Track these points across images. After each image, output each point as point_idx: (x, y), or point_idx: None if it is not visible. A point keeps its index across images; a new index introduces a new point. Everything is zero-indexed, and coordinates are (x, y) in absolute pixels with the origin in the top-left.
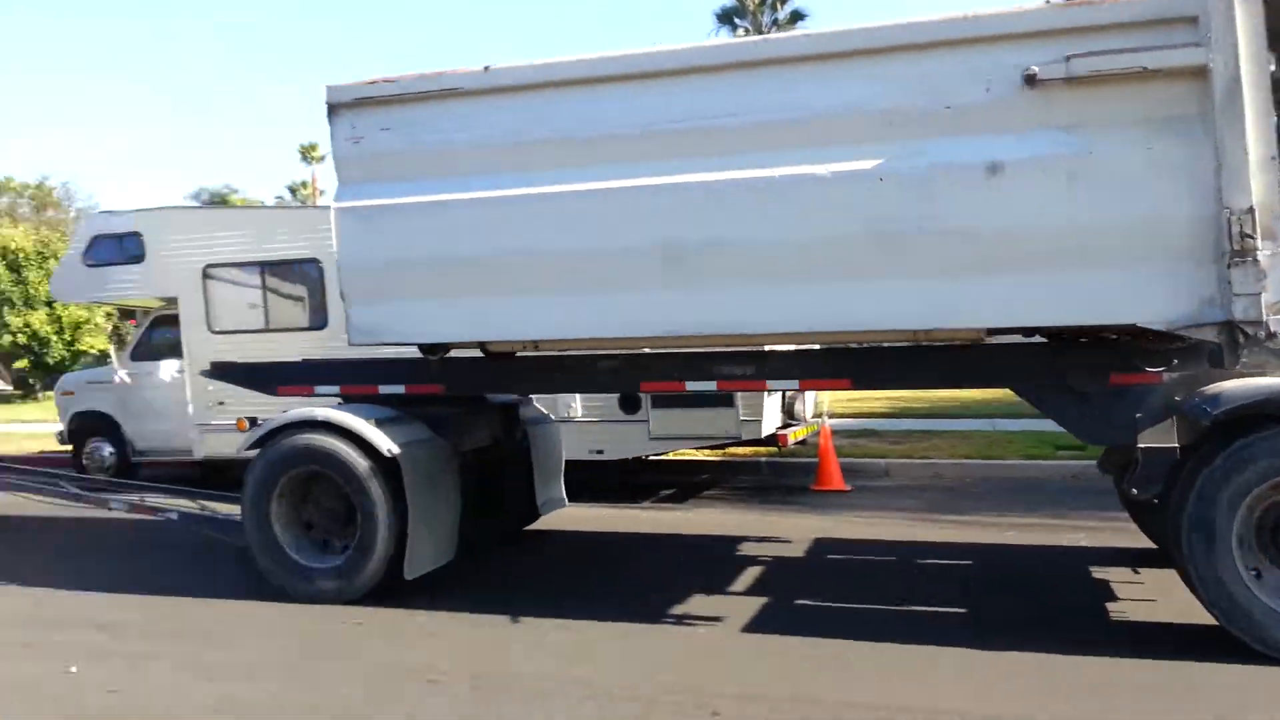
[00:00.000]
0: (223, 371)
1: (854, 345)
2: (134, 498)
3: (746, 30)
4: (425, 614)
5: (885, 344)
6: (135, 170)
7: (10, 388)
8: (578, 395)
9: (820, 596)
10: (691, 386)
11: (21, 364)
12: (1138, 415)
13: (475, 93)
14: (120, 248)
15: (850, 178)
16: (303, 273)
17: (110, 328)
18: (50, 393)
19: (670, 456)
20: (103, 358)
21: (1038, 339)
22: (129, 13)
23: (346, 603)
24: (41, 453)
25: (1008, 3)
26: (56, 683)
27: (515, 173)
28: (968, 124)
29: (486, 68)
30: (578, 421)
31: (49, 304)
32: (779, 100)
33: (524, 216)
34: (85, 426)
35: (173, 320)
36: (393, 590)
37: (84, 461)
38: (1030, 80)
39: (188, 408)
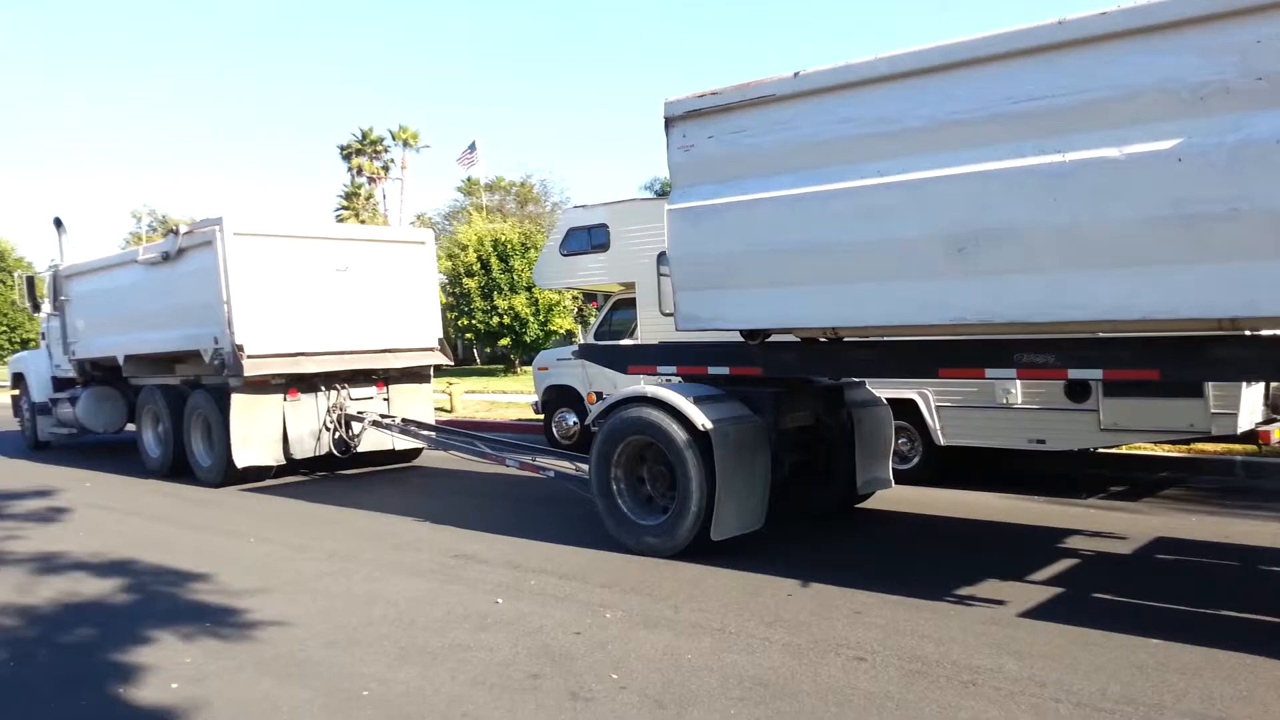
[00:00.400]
0: (589, 352)
1: (1160, 334)
2: (526, 457)
3: None
4: (857, 592)
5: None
6: (595, 161)
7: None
8: (1017, 381)
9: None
10: (991, 373)
11: (504, 342)
12: None
13: (785, 98)
14: (589, 238)
15: (1147, 160)
16: None
17: (576, 310)
18: (527, 367)
19: (1122, 450)
20: (569, 337)
21: None
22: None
23: (666, 557)
24: (519, 420)
25: None
26: (531, 619)
27: (820, 169)
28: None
29: (796, 73)
30: (1016, 408)
31: (528, 289)
32: (1083, 81)
33: (827, 211)
34: (555, 398)
35: (630, 303)
36: (798, 560)
37: (553, 429)
38: None
39: (640, 380)
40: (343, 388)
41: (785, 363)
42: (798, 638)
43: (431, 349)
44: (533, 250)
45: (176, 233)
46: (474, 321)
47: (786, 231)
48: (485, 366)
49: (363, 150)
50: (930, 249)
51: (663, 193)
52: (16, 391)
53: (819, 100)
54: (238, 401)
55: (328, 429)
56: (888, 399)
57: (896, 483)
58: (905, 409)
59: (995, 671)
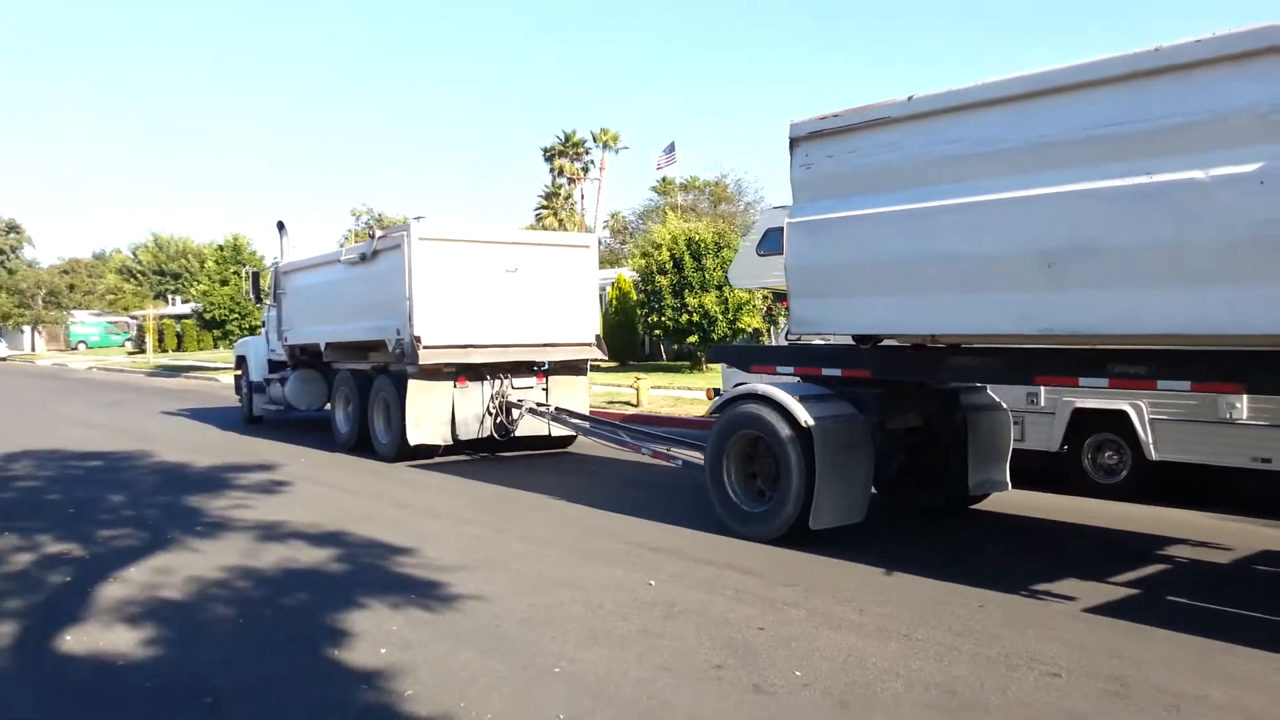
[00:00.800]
0: (719, 353)
1: (1247, 349)
2: (660, 447)
3: None
4: (1050, 604)
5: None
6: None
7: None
8: (1244, 395)
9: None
10: (1085, 382)
11: (692, 339)
12: None
13: (898, 120)
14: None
15: (1229, 181)
16: None
17: (765, 309)
18: (713, 365)
19: None
20: (756, 336)
21: None
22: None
23: (766, 542)
24: (703, 417)
25: None
26: (716, 611)
27: (926, 187)
28: None
29: (910, 97)
30: (1240, 424)
31: (719, 287)
32: (1173, 106)
33: (931, 226)
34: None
35: None
36: (987, 571)
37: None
38: None
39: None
40: (505, 377)
41: (892, 366)
42: (988, 649)
43: (588, 344)
44: (726, 249)
45: (373, 236)
46: (663, 319)
47: (893, 244)
48: (671, 363)
49: (565, 152)
50: (1023, 264)
51: None
52: (239, 371)
53: (928, 122)
54: (413, 386)
55: (490, 414)
56: (1094, 409)
57: (1102, 497)
58: (1114, 420)
59: (1199, 699)
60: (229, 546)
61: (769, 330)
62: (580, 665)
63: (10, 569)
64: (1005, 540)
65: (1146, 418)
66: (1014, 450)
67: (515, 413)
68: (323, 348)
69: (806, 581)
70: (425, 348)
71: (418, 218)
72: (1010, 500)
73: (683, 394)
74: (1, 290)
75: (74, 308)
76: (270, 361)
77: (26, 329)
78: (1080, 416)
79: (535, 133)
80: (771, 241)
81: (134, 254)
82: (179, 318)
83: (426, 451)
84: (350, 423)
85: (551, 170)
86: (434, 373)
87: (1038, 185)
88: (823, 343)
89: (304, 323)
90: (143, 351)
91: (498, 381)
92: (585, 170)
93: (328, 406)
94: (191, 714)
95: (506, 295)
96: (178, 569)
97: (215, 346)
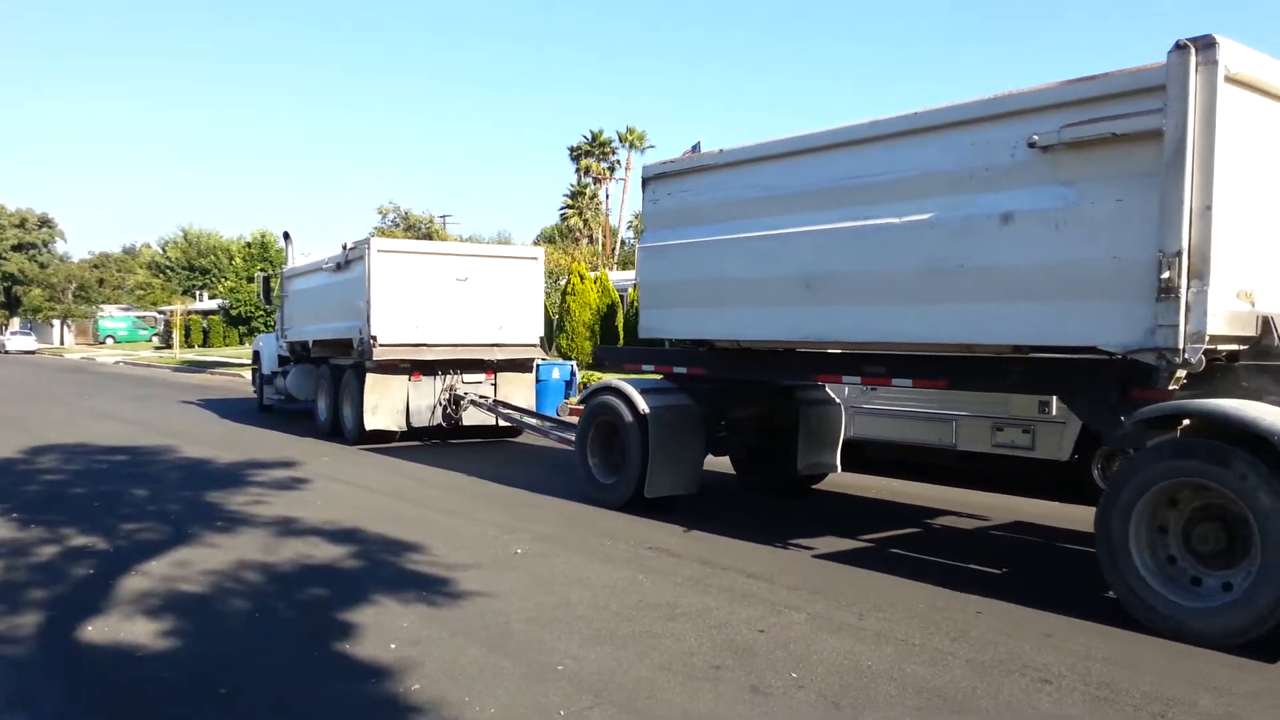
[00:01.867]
0: (603, 352)
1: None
2: (563, 433)
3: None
4: (1048, 614)
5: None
6: None
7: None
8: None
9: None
10: (846, 379)
11: None
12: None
13: (715, 168)
14: None
15: (919, 225)
16: None
17: None
18: None
19: None
20: None
21: (1094, 355)
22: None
23: (614, 508)
24: None
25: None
26: (718, 613)
27: (730, 222)
28: (999, 179)
29: (721, 150)
30: None
31: None
32: (871, 166)
33: (730, 253)
34: None
35: None
36: (984, 578)
37: None
38: (1035, 146)
39: (844, 391)
40: (456, 373)
41: (722, 365)
42: (983, 655)
43: (532, 344)
44: None
45: (346, 246)
46: None
47: (708, 267)
48: None
49: (591, 152)
50: (790, 285)
51: None
52: (255, 365)
53: (734, 170)
54: (370, 379)
55: (440, 405)
56: None
57: None
58: None
59: (1189, 705)
60: (247, 541)
61: None
62: (583, 663)
63: (36, 560)
64: (1006, 548)
65: None
66: (1026, 459)
67: (461, 404)
68: (311, 345)
69: (811, 585)
70: (380, 345)
71: (444, 216)
72: (1023, 509)
73: None
74: (33, 284)
75: (103, 302)
76: (280, 357)
77: (56, 322)
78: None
79: (563, 132)
80: None
81: (163, 249)
82: (206, 314)
83: (383, 436)
84: (327, 410)
85: (578, 170)
86: (390, 368)
87: (800, 224)
88: (673, 346)
89: (299, 322)
90: (170, 347)
91: (449, 377)
92: (611, 170)
93: None
94: (205, 704)
95: (457, 301)
96: (197, 563)
97: (241, 343)
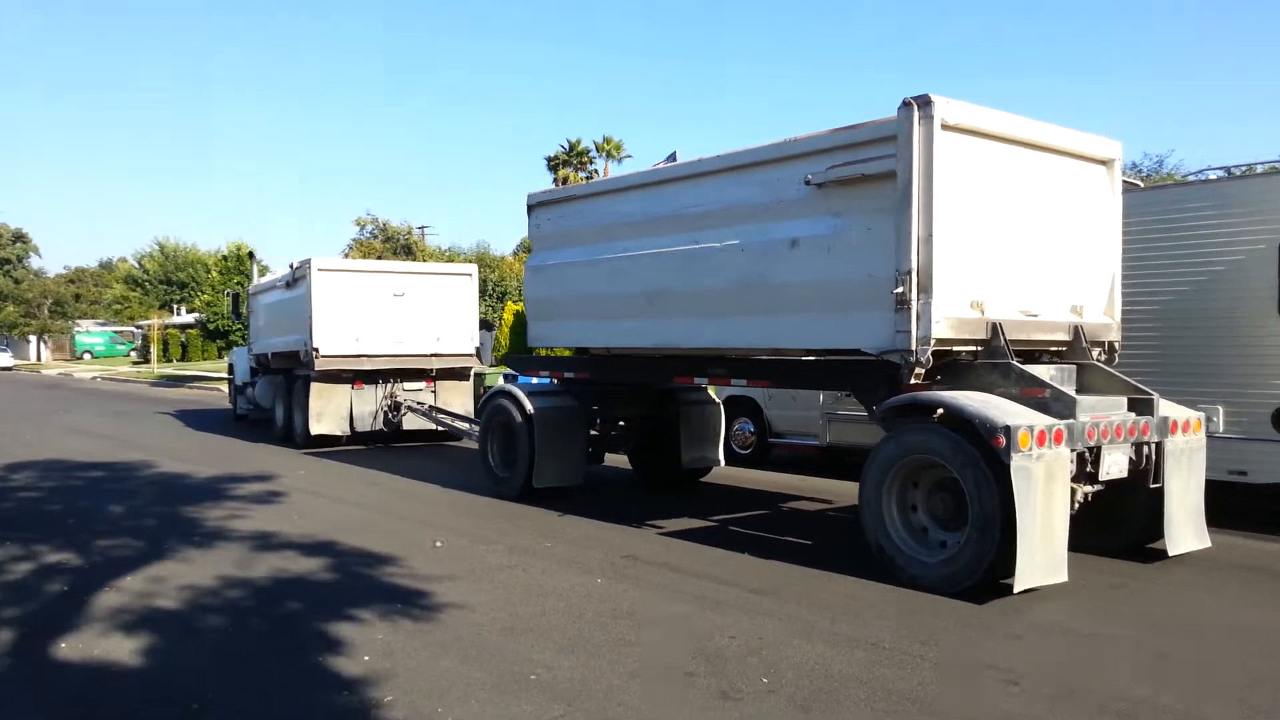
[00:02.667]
0: (506, 360)
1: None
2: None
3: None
4: (1020, 615)
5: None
6: None
7: None
8: (1220, 407)
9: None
10: (697, 380)
11: None
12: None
13: (583, 197)
14: None
15: (744, 245)
16: None
17: None
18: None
19: None
20: None
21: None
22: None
23: (509, 499)
24: None
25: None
26: (691, 620)
27: (594, 245)
28: (793, 211)
29: (589, 178)
30: (1215, 437)
31: None
32: (715, 194)
33: (593, 272)
34: (733, 408)
35: None
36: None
37: (730, 439)
38: (814, 183)
39: (819, 397)
40: (396, 382)
41: (601, 370)
42: (952, 658)
43: (468, 354)
44: None
45: (293, 266)
46: None
47: (578, 283)
48: None
49: (569, 161)
50: (638, 299)
51: None
52: (230, 377)
53: (599, 199)
54: (314, 388)
55: (382, 411)
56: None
57: None
58: None
59: (1148, 703)
60: (223, 556)
61: None
62: (556, 672)
63: (10, 578)
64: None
65: None
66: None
67: (400, 410)
68: (270, 356)
69: (785, 591)
70: (321, 356)
71: (423, 228)
72: None
73: None
74: (8, 300)
75: (80, 317)
76: (251, 369)
77: (32, 339)
78: None
79: (540, 142)
80: None
81: (140, 263)
82: (184, 327)
83: (329, 440)
84: (282, 417)
85: (555, 179)
86: (333, 376)
87: (645, 247)
88: (565, 354)
89: (263, 336)
90: (147, 361)
91: (390, 385)
92: (589, 179)
93: None
94: (176, 717)
95: (396, 315)
96: (172, 578)
97: (219, 356)
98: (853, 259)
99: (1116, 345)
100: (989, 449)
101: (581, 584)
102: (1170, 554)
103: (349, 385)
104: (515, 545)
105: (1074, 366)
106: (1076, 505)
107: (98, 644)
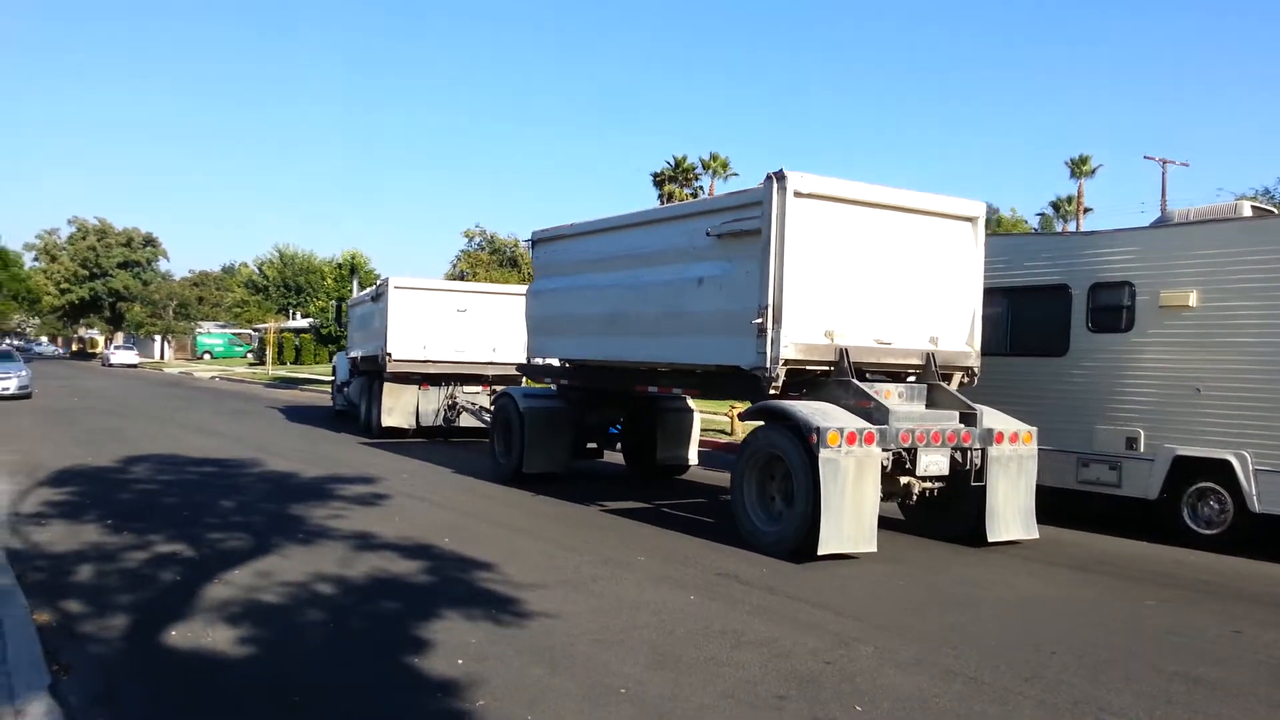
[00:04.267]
0: (526, 370)
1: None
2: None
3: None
4: (1130, 655)
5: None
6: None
7: None
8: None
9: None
10: (650, 389)
11: None
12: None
13: (568, 236)
14: None
15: (667, 281)
16: (1051, 299)
17: None
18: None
19: None
20: None
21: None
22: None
23: (505, 480)
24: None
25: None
26: (784, 643)
27: (573, 276)
28: (705, 255)
29: (572, 224)
30: None
31: None
32: (655, 239)
33: (571, 298)
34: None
35: None
36: (1051, 619)
37: None
38: (714, 234)
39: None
40: (456, 385)
41: (582, 377)
42: (1055, 696)
43: (519, 363)
44: None
45: (377, 284)
46: None
47: (560, 306)
48: None
49: (674, 177)
50: (603, 320)
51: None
52: (334, 378)
53: (579, 239)
54: (387, 387)
55: (443, 410)
56: (1196, 457)
57: (1201, 549)
58: (1216, 470)
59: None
60: (325, 554)
61: None
62: (645, 688)
63: (126, 566)
64: (1093, 585)
65: (1251, 468)
66: (1110, 497)
67: (456, 409)
68: (359, 360)
69: (879, 619)
70: (393, 360)
71: (529, 240)
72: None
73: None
74: (136, 301)
75: (201, 319)
76: (350, 371)
77: (157, 338)
78: (1181, 464)
79: (647, 158)
80: None
81: (260, 269)
82: (298, 332)
83: (398, 432)
84: (364, 412)
85: (660, 195)
86: (403, 378)
87: (607, 279)
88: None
89: (355, 343)
90: (263, 363)
91: (451, 387)
92: (694, 196)
93: None
94: (276, 711)
95: (458, 327)
96: (277, 573)
97: (330, 360)
98: (737, 295)
99: (976, 370)
100: (807, 444)
101: (674, 599)
102: (989, 540)
103: (416, 386)
104: (608, 557)
105: (925, 386)
106: (915, 496)
107: (206, 634)
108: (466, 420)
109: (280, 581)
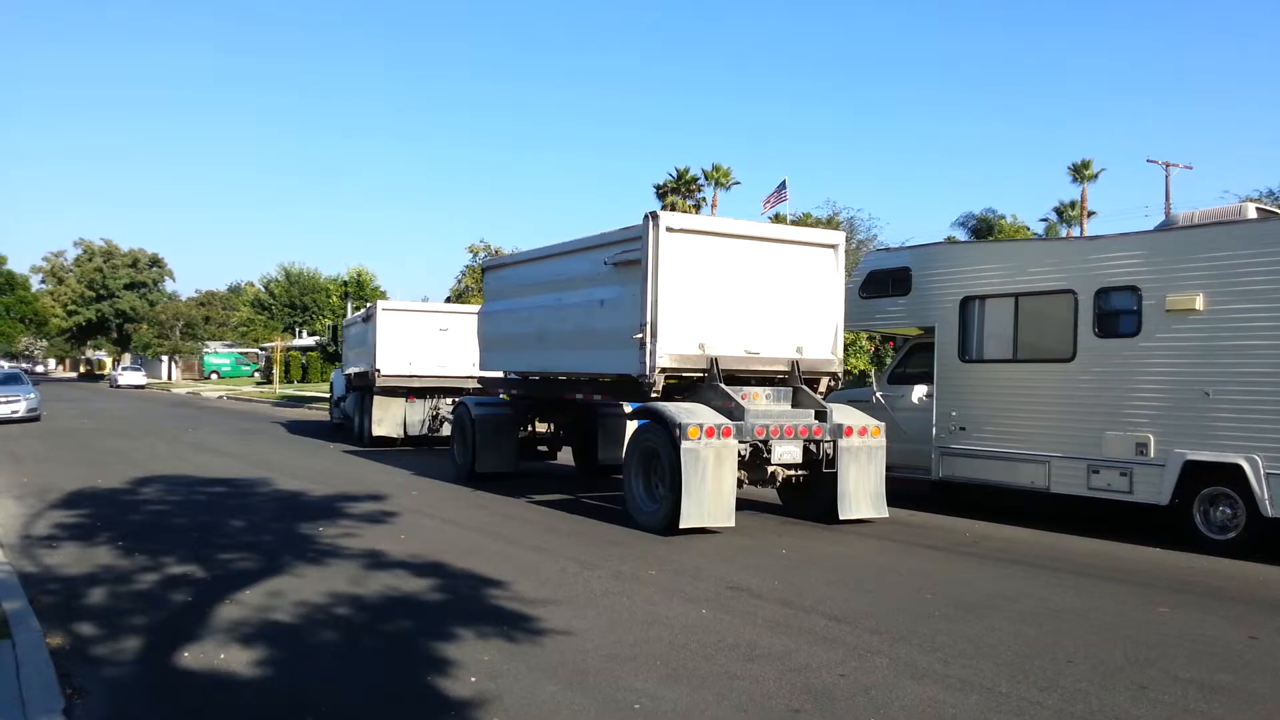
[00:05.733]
0: (481, 381)
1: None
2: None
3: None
4: (1147, 663)
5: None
6: (909, 193)
7: None
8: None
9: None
10: (579, 398)
11: None
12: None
13: (507, 265)
14: (890, 281)
15: (577, 303)
16: (1057, 305)
17: (872, 350)
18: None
19: None
20: (862, 378)
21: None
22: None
23: (464, 479)
24: None
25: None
26: (798, 656)
27: (509, 299)
28: (603, 280)
29: (514, 252)
30: None
31: None
32: (567, 268)
33: (507, 318)
34: None
35: (927, 348)
36: (1076, 624)
37: None
38: (610, 264)
39: (932, 430)
40: (439, 398)
41: (525, 388)
42: (1073, 706)
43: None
44: None
45: (366, 306)
46: None
47: (504, 326)
48: None
49: (677, 189)
50: (533, 338)
51: (977, 230)
52: (331, 393)
53: (514, 267)
54: (377, 400)
55: (427, 420)
56: (1207, 461)
57: (1213, 554)
58: (1228, 475)
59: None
60: (337, 573)
61: (874, 372)
62: (659, 702)
63: (138, 588)
64: (1106, 592)
65: (1263, 472)
66: (1120, 503)
67: (438, 420)
68: (353, 376)
69: (895, 630)
70: (381, 375)
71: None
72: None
73: None
74: (143, 321)
75: (208, 339)
76: (345, 386)
77: (164, 358)
78: (1192, 469)
79: (649, 170)
80: (873, 284)
81: (266, 287)
82: (305, 350)
83: (387, 441)
84: (358, 423)
85: (664, 207)
86: (391, 392)
87: (536, 301)
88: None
89: (348, 360)
90: (270, 382)
91: (435, 400)
92: (697, 208)
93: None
94: None
95: (440, 345)
96: (289, 593)
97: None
98: (626, 314)
99: (839, 375)
100: (673, 438)
101: (685, 614)
102: (840, 518)
103: (404, 399)
104: (619, 571)
105: (790, 389)
106: (779, 480)
107: (218, 654)
108: (449, 430)
109: (292, 601)
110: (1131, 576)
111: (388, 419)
